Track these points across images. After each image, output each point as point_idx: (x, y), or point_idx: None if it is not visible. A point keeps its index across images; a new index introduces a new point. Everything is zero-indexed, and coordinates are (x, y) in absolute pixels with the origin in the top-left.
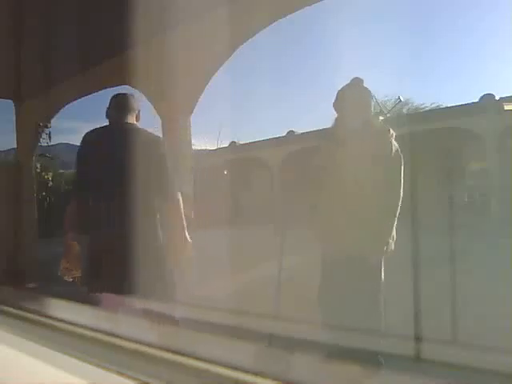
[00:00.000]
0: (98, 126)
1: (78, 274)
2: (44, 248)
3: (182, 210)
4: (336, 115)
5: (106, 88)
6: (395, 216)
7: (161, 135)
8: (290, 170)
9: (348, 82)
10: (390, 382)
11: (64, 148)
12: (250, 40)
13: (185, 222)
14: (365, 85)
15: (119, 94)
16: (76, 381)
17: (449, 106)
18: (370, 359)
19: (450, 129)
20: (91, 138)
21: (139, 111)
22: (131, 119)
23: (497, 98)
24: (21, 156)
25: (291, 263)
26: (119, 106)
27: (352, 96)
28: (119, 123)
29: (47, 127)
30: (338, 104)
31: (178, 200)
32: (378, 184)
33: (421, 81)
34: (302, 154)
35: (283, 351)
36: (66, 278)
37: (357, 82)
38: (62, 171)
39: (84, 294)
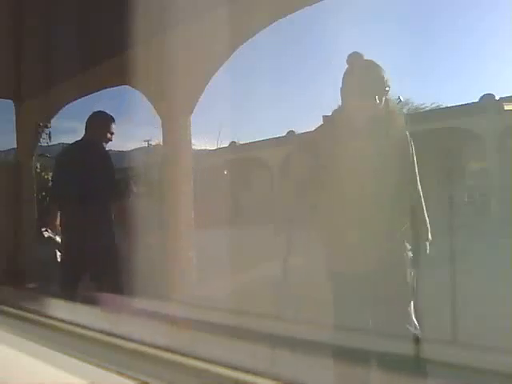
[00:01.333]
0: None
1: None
2: (44, 248)
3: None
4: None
5: (106, 88)
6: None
7: (161, 135)
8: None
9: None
10: (390, 382)
11: None
12: (250, 40)
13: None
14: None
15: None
16: (76, 381)
17: (449, 106)
18: (370, 359)
19: (450, 129)
20: (61, 152)
21: (104, 128)
22: (92, 136)
23: (497, 97)
24: (21, 156)
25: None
26: (85, 125)
27: (353, 78)
28: (80, 139)
29: (47, 127)
30: (341, 91)
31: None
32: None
33: (421, 81)
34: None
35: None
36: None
37: (354, 58)
38: None
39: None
